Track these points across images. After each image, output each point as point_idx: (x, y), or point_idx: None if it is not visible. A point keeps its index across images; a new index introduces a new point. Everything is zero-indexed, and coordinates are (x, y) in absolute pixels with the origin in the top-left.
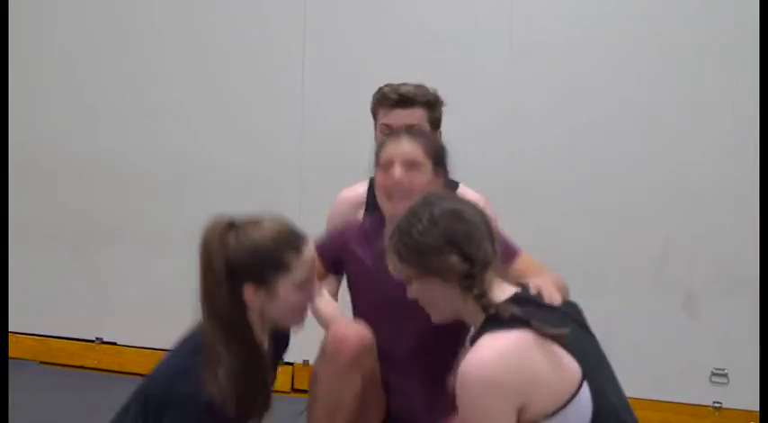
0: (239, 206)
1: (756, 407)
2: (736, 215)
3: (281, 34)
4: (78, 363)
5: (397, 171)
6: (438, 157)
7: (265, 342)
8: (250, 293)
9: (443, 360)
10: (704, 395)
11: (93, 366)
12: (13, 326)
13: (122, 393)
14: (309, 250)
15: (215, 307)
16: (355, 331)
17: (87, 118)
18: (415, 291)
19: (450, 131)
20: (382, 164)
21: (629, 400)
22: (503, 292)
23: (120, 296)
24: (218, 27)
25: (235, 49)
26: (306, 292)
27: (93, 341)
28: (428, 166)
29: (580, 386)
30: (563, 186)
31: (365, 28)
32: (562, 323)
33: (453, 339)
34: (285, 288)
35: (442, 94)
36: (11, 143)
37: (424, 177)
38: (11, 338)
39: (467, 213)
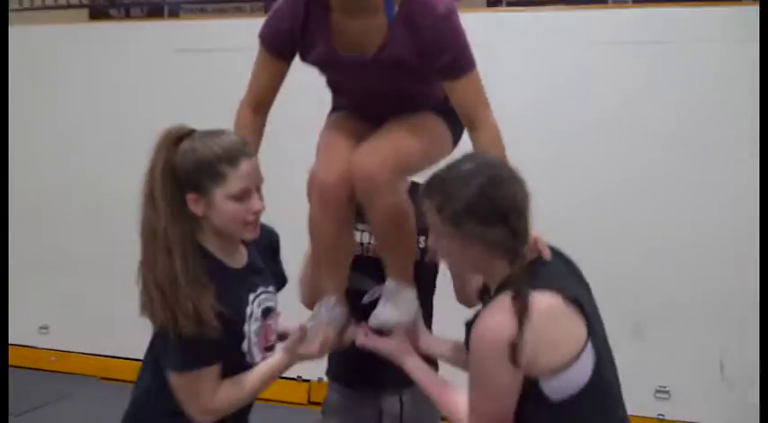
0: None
1: (694, 419)
2: (678, 254)
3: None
4: (133, 378)
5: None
6: None
7: (237, 254)
8: (192, 203)
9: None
10: (650, 408)
11: None
12: (76, 346)
13: None
14: (248, 165)
15: (157, 216)
16: (322, 171)
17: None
18: (441, 246)
19: None
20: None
21: None
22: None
23: None
24: (221, 73)
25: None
26: (243, 204)
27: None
28: None
29: (585, 346)
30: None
31: None
32: (573, 284)
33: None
34: (221, 198)
35: None
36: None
37: None
38: (74, 358)
39: (511, 180)
